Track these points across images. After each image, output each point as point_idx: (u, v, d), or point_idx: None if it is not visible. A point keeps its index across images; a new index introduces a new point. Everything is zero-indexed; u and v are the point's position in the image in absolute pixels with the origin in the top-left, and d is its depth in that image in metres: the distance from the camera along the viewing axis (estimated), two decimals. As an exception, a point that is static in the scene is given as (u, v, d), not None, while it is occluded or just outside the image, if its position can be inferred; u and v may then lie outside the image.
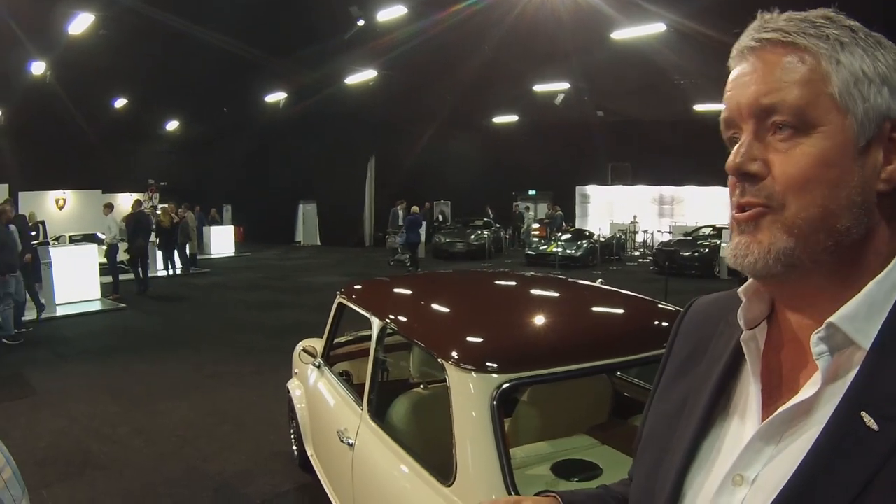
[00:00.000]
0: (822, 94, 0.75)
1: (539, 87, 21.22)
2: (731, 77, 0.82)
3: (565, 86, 20.94)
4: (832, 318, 0.74)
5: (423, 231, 20.00)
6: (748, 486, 0.78)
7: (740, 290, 0.89)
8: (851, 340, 0.74)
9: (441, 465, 2.53)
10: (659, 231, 23.79)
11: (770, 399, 0.82)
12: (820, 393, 0.75)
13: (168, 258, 17.80)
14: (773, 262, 0.76)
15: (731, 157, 0.79)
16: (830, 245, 0.75)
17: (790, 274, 0.77)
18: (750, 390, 0.85)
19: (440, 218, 21.76)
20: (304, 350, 4.48)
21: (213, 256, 22.65)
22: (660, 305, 3.44)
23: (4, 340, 9.56)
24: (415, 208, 19.38)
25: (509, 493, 2.28)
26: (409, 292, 4.16)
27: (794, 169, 0.75)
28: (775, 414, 0.78)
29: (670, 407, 0.97)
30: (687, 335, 1.04)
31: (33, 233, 14.33)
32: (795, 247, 0.75)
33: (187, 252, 18.46)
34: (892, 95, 0.76)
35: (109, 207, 14.31)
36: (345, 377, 4.29)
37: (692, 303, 1.10)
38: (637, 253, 23.79)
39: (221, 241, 24.02)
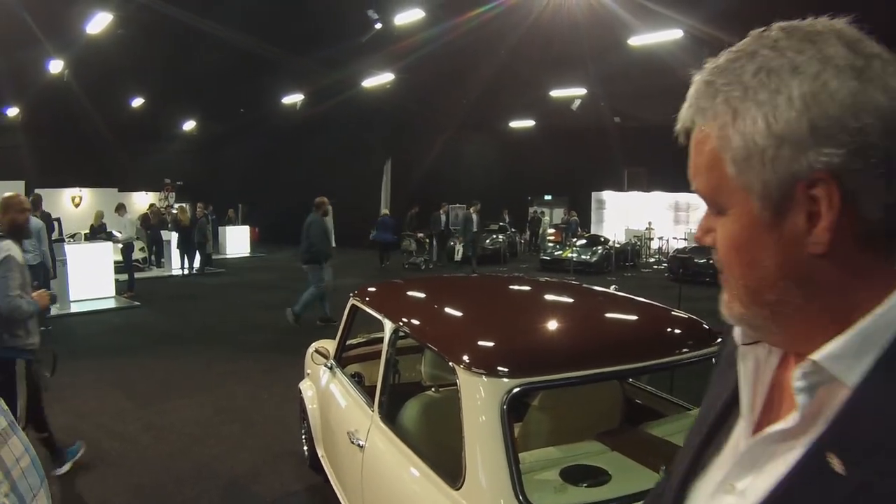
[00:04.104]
0: (723, 176, 0.74)
1: (556, 93, 21.20)
2: None
3: (582, 91, 20.90)
4: (815, 356, 0.70)
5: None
6: (736, 496, 0.79)
7: None
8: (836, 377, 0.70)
9: (450, 468, 2.53)
10: (674, 238, 23.60)
11: (767, 413, 0.82)
12: (802, 425, 0.72)
13: (187, 257, 17.82)
14: (738, 323, 0.82)
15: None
16: (769, 313, 0.76)
17: (756, 333, 0.81)
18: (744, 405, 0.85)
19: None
20: (317, 351, 4.48)
21: (227, 256, 22.66)
22: (672, 313, 3.42)
23: (292, 321, 10.21)
24: (385, 211, 19.56)
25: (517, 498, 2.27)
26: (421, 296, 4.16)
27: (721, 247, 0.78)
28: (759, 436, 0.78)
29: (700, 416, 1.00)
30: (726, 344, 1.04)
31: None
32: (745, 312, 0.78)
33: (206, 251, 18.51)
34: (802, 148, 0.67)
35: (123, 208, 14.83)
36: (357, 379, 4.29)
37: None
38: (652, 259, 23.65)
39: (236, 241, 24.01)
